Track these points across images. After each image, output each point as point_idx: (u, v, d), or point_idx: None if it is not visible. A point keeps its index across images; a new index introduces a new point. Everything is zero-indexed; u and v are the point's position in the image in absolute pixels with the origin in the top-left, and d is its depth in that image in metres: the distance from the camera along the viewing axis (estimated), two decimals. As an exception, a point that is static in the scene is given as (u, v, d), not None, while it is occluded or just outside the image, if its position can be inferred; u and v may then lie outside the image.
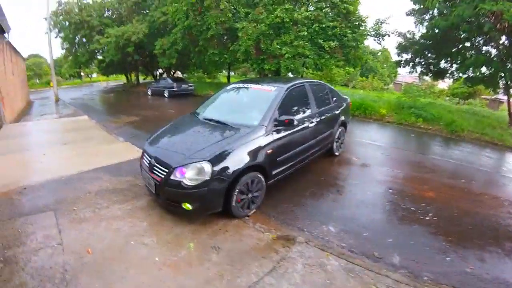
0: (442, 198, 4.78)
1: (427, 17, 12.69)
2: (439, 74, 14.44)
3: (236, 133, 3.85)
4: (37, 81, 43.16)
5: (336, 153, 6.43)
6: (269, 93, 4.54)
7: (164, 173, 3.50)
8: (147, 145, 4.22)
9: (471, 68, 12.37)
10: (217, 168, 3.35)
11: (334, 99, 6.09)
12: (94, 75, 51.53)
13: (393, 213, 4.26)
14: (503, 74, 11.35)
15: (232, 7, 16.27)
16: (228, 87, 5.46)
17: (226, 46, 17.52)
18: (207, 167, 3.32)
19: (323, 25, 14.08)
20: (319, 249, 3.24)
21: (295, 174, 4.97)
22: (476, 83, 13.96)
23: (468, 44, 12.49)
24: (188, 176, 3.33)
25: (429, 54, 13.67)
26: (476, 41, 12.23)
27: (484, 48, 12.24)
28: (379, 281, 2.78)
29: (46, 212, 3.75)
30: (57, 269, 2.73)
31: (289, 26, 14.29)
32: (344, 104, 6.49)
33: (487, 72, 12.27)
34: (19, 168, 5.42)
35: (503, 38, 11.02)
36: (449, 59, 13.28)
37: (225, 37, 17.79)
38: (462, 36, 11.95)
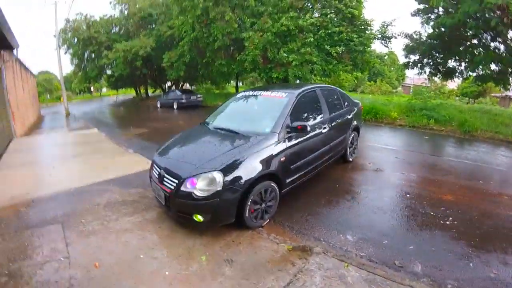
0: (461, 201, 4.58)
1: (432, 16, 12.57)
2: (448, 74, 14.21)
3: (247, 142, 3.73)
4: (48, 96, 43.92)
5: (350, 159, 6.26)
6: (280, 99, 4.42)
7: (174, 184, 3.39)
8: (156, 156, 4.13)
9: (480, 66, 12.11)
10: (229, 178, 3.23)
11: (346, 103, 5.94)
12: (104, 89, 52.27)
13: (412, 219, 4.05)
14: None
15: (238, 18, 16.32)
16: (238, 95, 5.38)
17: (233, 56, 17.56)
18: (219, 177, 3.20)
19: (329, 31, 14.02)
20: (337, 259, 3.06)
21: (309, 182, 4.81)
22: (486, 80, 13.68)
23: (475, 41, 12.30)
24: (199, 186, 3.21)
25: (437, 54, 13.49)
26: (484, 37, 12.00)
27: (492, 44, 12.00)
28: (403, 292, 2.60)
29: (54, 224, 3.67)
30: (63, 284, 2.63)
31: (295, 33, 14.28)
32: (356, 109, 6.34)
33: (497, 69, 12.10)
34: (28, 180, 5.38)
35: (511, 32, 10.81)
36: (457, 58, 13.09)
37: (232, 48, 17.85)
38: (469, 33, 11.77)
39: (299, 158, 4.17)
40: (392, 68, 44.36)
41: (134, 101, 31.07)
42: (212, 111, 5.34)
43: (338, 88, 6.23)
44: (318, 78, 15.24)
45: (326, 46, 14.10)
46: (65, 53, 27.53)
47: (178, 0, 17.65)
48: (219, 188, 3.18)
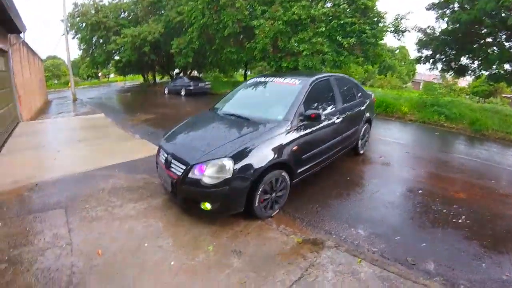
0: (474, 200, 4.42)
1: (448, 11, 12.24)
2: (461, 71, 13.98)
3: (259, 128, 3.58)
4: (56, 82, 43.94)
5: (361, 152, 6.09)
6: (293, 86, 4.25)
7: (182, 170, 3.26)
8: (163, 141, 4.00)
9: (494, 65, 11.90)
10: (239, 165, 3.10)
11: (359, 94, 5.75)
12: (112, 75, 52.25)
13: (425, 216, 3.90)
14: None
15: (248, 5, 16.02)
16: (249, 82, 5.21)
17: (242, 44, 17.32)
18: (229, 164, 3.06)
19: (342, 22, 13.70)
20: (350, 254, 2.94)
21: (319, 174, 4.67)
22: (499, 80, 13.43)
23: (489, 39, 12.01)
24: (208, 174, 3.08)
25: (450, 50, 13.21)
26: (499, 36, 11.72)
27: (507, 44, 11.71)
28: (417, 291, 2.48)
29: (57, 209, 3.59)
30: (64, 272, 2.54)
31: (306, 23, 13.98)
32: (369, 100, 6.13)
33: (510, 69, 11.85)
34: (32, 165, 5.30)
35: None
36: (470, 55, 12.80)
37: (242, 36, 17.59)
38: (484, 31, 11.50)
39: (311, 148, 4.02)
40: (403, 63, 43.74)
41: (142, 87, 30.92)
42: (221, 99, 5.19)
43: (351, 78, 6.03)
44: (329, 69, 14.94)
45: (338, 37, 13.77)
46: (73, 38, 27.37)
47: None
48: (229, 176, 3.05)
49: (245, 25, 15.99)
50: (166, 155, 3.62)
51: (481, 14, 9.94)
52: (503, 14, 9.80)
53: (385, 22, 14.67)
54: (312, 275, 2.61)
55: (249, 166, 3.16)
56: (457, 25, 11.51)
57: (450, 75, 15.42)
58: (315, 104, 4.27)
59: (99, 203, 3.78)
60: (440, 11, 12.41)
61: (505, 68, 11.99)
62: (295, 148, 3.65)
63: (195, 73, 31.29)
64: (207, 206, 3.15)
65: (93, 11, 25.95)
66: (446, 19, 12.20)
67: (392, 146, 7.40)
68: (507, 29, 10.27)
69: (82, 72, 43.59)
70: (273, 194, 3.51)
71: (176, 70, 31.68)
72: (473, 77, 14.71)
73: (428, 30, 13.49)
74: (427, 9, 12.84)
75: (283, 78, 4.64)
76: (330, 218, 3.72)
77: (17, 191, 4.08)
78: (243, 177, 3.13)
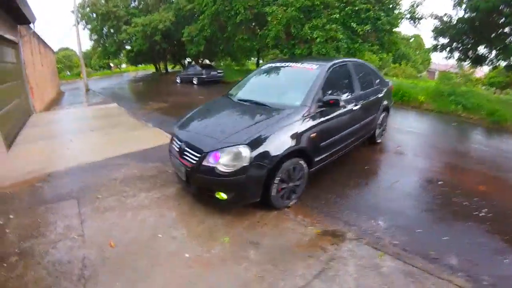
0: (495, 193, 4.19)
1: None
2: (478, 61, 13.46)
3: (276, 114, 3.42)
4: (68, 73, 44.31)
5: (378, 141, 5.89)
6: (311, 71, 4.06)
7: (196, 159, 3.14)
8: (176, 128, 3.87)
9: (512, 56, 11.44)
10: (256, 152, 2.96)
11: (378, 81, 5.51)
12: (124, 65, 52.44)
13: (446, 208, 3.71)
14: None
15: (260, -9, 15.70)
16: (263, 67, 5.04)
17: (254, 32, 17.06)
18: (245, 151, 2.92)
19: (356, 8, 13.28)
20: (372, 247, 2.81)
21: (337, 163, 4.51)
22: (518, 70, 12.86)
23: (508, 29, 11.48)
24: (223, 161, 2.95)
25: (467, 39, 12.74)
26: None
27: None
28: (441, 287, 2.36)
29: (69, 200, 3.53)
30: (76, 264, 2.47)
31: (319, 9, 13.59)
32: (387, 88, 5.89)
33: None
34: (45, 155, 5.26)
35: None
36: (488, 44, 12.31)
37: (254, 23, 17.30)
38: (502, 20, 10.98)
39: (330, 136, 3.86)
40: (418, 52, 42.66)
41: (154, 76, 30.89)
42: (234, 86, 5.04)
43: (369, 64, 5.79)
44: (343, 57, 14.63)
45: (352, 23, 13.36)
46: (84, 28, 27.56)
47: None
48: (246, 164, 2.91)
49: (257, 12, 15.70)
50: (179, 143, 3.50)
51: (500, 2, 9.60)
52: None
53: (400, 8, 14.19)
54: (333, 269, 2.49)
55: (266, 154, 3.02)
56: (475, 13, 11.06)
57: (468, 64, 14.87)
58: (333, 90, 4.09)
59: (112, 193, 3.71)
60: (457, -1, 11.95)
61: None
62: (313, 135, 3.50)
63: (206, 61, 31.16)
64: (222, 195, 3.03)
65: (103, 1, 25.96)
66: (463, 6, 11.75)
67: (410, 135, 7.18)
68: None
69: (94, 63, 43.85)
70: (291, 183, 3.38)
71: (188, 59, 31.59)
72: (490, 67, 14.17)
73: (445, 18, 13.02)
74: (445, -5, 12.40)
75: (300, 63, 4.46)
76: (349, 208, 3.57)
77: (29, 182, 4.04)
78: (260, 165, 3.00)
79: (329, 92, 3.92)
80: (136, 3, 28.24)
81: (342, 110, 4.04)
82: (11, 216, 3.21)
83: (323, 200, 3.75)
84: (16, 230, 2.97)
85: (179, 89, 17.77)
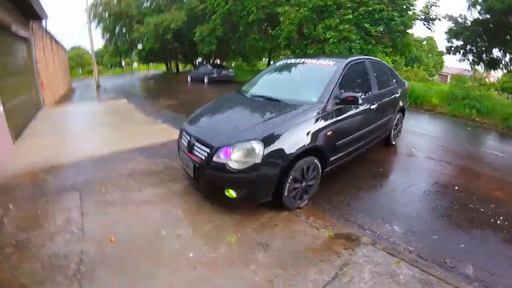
0: (511, 200, 3.99)
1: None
2: (492, 64, 13.32)
3: (291, 110, 3.27)
4: (80, 71, 44.83)
5: (393, 142, 5.71)
6: (328, 67, 3.91)
7: (206, 154, 3.00)
8: (186, 123, 3.75)
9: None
10: (270, 149, 2.81)
11: (394, 80, 5.34)
12: (135, 64, 52.90)
13: (462, 214, 3.52)
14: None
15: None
16: (278, 63, 4.90)
17: (266, 32, 16.98)
18: (259, 148, 2.77)
19: (370, 8, 13.07)
20: (388, 253, 2.63)
21: (350, 164, 4.34)
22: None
23: None
24: (235, 158, 2.80)
25: (481, 42, 12.49)
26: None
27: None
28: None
29: (71, 192, 3.43)
30: (72, 259, 2.35)
31: (332, 9, 13.45)
32: (403, 88, 5.72)
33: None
34: (51, 147, 5.21)
35: None
36: (502, 47, 12.04)
37: (266, 23, 17.23)
38: None
39: (346, 135, 3.70)
40: (430, 55, 42.12)
41: (165, 75, 31.08)
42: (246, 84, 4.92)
43: (387, 63, 5.61)
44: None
45: (365, 24, 13.16)
46: (96, 27, 27.84)
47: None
48: (258, 161, 2.76)
49: (269, 12, 15.63)
50: (188, 137, 3.37)
51: None
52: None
53: (414, 9, 13.93)
54: (347, 276, 2.32)
55: (280, 151, 2.87)
56: (489, 15, 10.87)
57: (482, 67, 14.57)
58: (350, 88, 3.92)
59: (116, 187, 3.61)
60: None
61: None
62: (329, 133, 3.34)
63: (218, 61, 31.21)
64: (232, 193, 2.89)
65: (115, 1, 26.16)
66: (478, 7, 11.57)
67: (424, 138, 7.00)
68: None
69: (106, 61, 44.29)
70: (304, 183, 3.22)
71: (199, 59, 31.67)
72: (504, 71, 13.86)
73: (459, 19, 12.87)
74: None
75: (316, 59, 4.30)
76: (363, 211, 3.40)
77: (33, 174, 3.97)
78: (274, 162, 2.84)
79: (346, 89, 3.75)
80: (148, 3, 28.38)
81: (358, 109, 3.89)
82: (10, 207, 3.12)
83: (335, 202, 3.58)
84: (14, 221, 2.88)
85: (190, 87, 17.75)
